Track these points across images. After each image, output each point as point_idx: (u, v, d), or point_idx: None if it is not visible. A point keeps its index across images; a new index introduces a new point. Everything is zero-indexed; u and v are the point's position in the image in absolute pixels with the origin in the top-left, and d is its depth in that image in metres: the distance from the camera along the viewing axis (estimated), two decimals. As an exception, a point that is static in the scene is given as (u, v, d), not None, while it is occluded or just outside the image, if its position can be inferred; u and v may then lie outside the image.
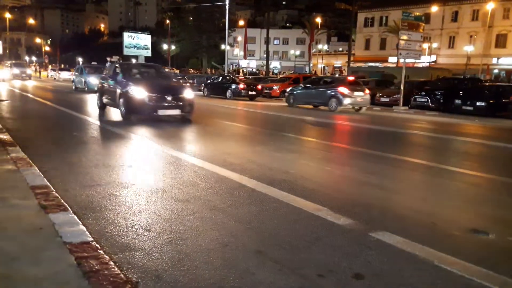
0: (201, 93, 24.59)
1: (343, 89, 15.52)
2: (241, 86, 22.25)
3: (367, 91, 16.33)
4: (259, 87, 23.08)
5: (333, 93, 15.72)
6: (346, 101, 15.45)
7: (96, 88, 14.68)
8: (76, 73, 24.74)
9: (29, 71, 39.63)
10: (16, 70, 36.38)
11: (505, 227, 3.66)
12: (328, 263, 2.74)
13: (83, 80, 22.72)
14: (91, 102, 15.25)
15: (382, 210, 3.92)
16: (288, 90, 19.19)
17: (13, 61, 48.08)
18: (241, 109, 16.33)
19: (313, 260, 2.78)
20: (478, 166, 6.66)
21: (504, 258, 2.98)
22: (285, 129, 10.57)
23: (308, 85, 17.71)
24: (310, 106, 17.61)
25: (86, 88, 21.97)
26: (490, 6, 42.15)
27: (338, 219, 3.55)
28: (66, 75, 47.61)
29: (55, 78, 46.15)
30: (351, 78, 17.86)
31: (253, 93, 22.43)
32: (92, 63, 46.36)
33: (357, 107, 16.20)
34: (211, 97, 23.42)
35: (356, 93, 15.72)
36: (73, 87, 24.17)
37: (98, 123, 10.08)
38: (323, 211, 3.73)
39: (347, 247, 3.01)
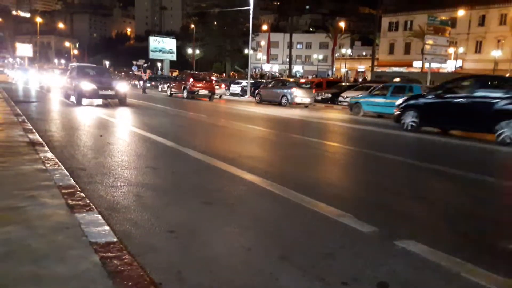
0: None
1: (191, 84, 24.41)
2: None
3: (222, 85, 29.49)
4: None
5: (185, 87, 24.83)
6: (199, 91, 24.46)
7: None
8: None
9: (123, 87, 16.23)
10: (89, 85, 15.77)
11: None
12: (352, 270, 2.69)
13: None
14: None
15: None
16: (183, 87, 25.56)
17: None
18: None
19: (337, 267, 2.74)
20: None
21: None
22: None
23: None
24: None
25: None
26: (519, 10, 41.02)
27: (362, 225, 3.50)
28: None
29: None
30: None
31: None
32: None
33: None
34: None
35: (200, 87, 24.62)
36: None
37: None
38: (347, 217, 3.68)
39: (371, 255, 2.96)
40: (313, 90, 23.05)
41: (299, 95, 21.25)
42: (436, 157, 8.10)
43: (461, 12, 45.31)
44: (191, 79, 24.75)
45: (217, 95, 27.26)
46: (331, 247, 3.05)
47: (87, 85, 14.84)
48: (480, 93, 10.24)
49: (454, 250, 3.05)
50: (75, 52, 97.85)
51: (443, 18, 23.22)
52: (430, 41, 20.35)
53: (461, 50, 49.76)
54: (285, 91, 21.56)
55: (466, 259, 2.89)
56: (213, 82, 25.86)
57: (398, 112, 12.36)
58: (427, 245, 3.11)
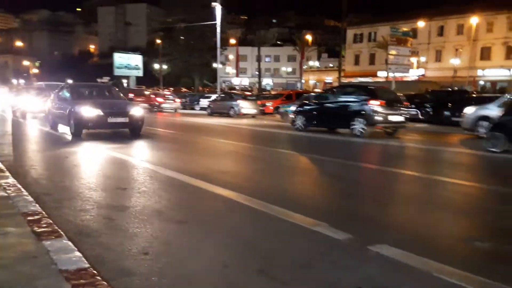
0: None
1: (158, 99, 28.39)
2: None
3: (177, 100, 29.49)
4: None
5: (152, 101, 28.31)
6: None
7: None
8: None
9: (138, 111, 11.53)
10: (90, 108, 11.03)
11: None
12: (329, 278, 2.73)
13: None
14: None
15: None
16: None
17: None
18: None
19: (313, 276, 2.76)
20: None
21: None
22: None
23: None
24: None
25: None
26: (474, 21, 43.10)
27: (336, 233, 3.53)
28: None
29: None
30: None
31: None
32: None
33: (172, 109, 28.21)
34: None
35: (141, 101, 27.28)
36: None
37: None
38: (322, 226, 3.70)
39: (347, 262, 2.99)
40: (258, 102, 25.28)
41: (245, 106, 23.07)
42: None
43: (421, 23, 47.20)
44: (131, 94, 27.55)
45: (172, 109, 28.64)
46: (308, 257, 3.07)
47: (89, 111, 10.46)
48: (342, 98, 13.13)
49: (425, 251, 3.11)
50: (35, 71, 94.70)
51: (405, 29, 24.13)
52: (393, 51, 21.07)
53: (422, 59, 51.69)
54: (233, 103, 23.34)
55: (437, 260, 2.95)
56: (153, 96, 29.47)
57: (293, 116, 14.87)
58: (398, 248, 3.18)
